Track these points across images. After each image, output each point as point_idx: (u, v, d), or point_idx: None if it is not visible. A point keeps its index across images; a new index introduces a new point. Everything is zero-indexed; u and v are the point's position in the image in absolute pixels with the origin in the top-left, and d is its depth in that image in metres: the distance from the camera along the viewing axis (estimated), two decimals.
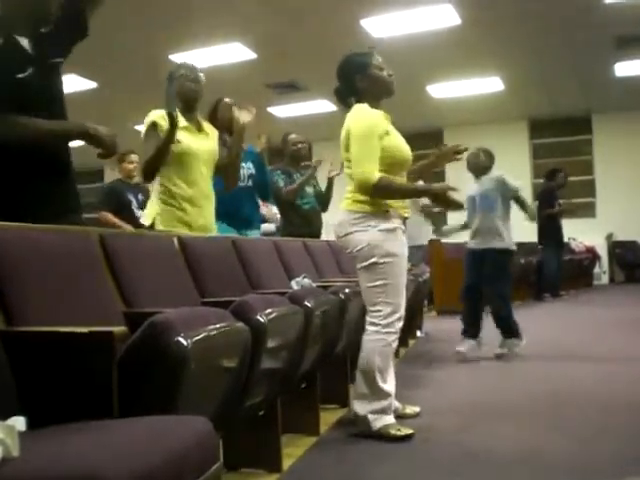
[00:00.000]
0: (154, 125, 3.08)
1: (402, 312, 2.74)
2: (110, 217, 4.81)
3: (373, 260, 2.68)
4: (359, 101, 2.81)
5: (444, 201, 2.80)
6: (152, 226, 3.14)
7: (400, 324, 2.74)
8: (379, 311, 2.69)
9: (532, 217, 4.93)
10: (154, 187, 3.20)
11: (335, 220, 2.85)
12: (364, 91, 2.81)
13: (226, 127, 3.63)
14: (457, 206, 2.88)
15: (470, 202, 4.59)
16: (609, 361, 4.25)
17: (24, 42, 2.16)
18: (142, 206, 5.04)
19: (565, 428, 2.71)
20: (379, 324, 2.69)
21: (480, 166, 4.61)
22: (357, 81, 2.81)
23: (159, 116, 3.07)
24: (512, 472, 2.22)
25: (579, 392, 3.37)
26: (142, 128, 3.14)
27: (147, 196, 5.35)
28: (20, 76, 2.09)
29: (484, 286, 4.54)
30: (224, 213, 3.52)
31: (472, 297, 4.60)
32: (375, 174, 2.63)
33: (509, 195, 4.58)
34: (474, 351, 4.51)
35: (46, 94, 2.17)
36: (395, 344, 2.74)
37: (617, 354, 4.51)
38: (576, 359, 4.36)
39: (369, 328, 2.72)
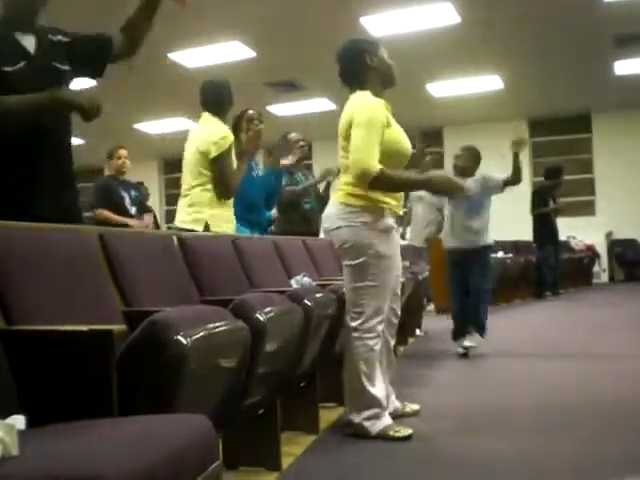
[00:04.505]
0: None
1: (384, 315, 2.66)
2: (109, 214, 4.72)
3: (362, 259, 2.60)
4: (362, 87, 2.70)
5: (447, 188, 2.71)
6: (207, 231, 3.30)
7: (381, 327, 2.66)
8: (360, 313, 2.61)
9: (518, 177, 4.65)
10: (194, 194, 3.35)
11: (325, 212, 2.75)
12: (372, 72, 2.71)
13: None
14: (461, 191, 2.73)
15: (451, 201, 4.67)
16: (609, 360, 4.25)
17: (26, 40, 2.17)
18: (135, 202, 4.98)
19: (565, 427, 2.71)
20: (360, 329, 2.61)
21: (465, 168, 4.62)
22: (366, 59, 2.70)
23: (230, 133, 3.35)
24: (512, 472, 2.22)
25: (579, 391, 3.37)
26: (220, 144, 3.29)
27: (141, 193, 5.29)
28: (7, 69, 2.09)
29: (470, 281, 4.63)
30: (246, 218, 3.76)
31: (461, 296, 4.67)
32: (376, 166, 2.52)
33: (494, 191, 4.62)
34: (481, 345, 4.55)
35: (37, 91, 2.10)
36: (378, 347, 2.65)
37: (617, 353, 4.51)
38: (576, 358, 4.36)
39: (351, 334, 2.63)
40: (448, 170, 4.73)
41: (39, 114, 2.10)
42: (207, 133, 3.34)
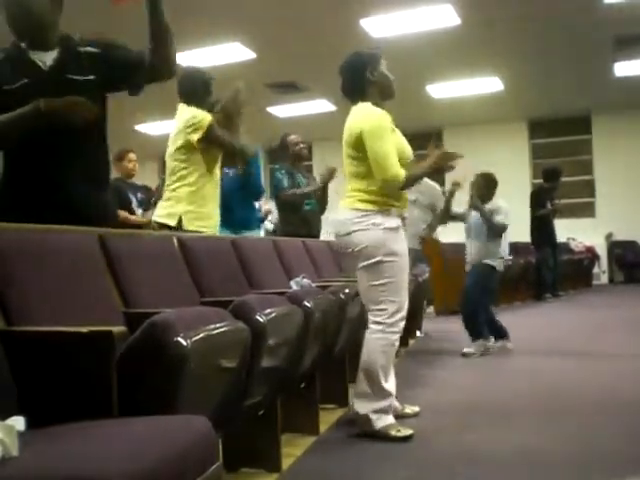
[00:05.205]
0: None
1: (405, 311, 2.74)
2: (126, 214, 4.70)
3: (378, 259, 2.67)
4: (363, 99, 2.79)
5: (445, 161, 2.75)
6: (179, 226, 3.19)
7: (403, 323, 2.74)
8: (384, 310, 2.68)
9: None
10: (171, 189, 3.27)
11: (336, 217, 2.83)
12: (372, 86, 2.79)
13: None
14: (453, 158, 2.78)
15: (466, 230, 4.95)
16: (610, 361, 4.26)
17: (43, 56, 2.18)
18: (142, 204, 5.02)
19: (565, 427, 2.72)
20: (384, 323, 2.68)
21: (480, 196, 4.79)
22: (367, 73, 2.78)
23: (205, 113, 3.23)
24: (512, 472, 2.22)
25: (580, 392, 3.37)
26: (198, 125, 3.18)
27: (147, 195, 5.32)
28: (6, 87, 2.11)
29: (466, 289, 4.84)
30: (222, 217, 3.54)
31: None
32: (401, 173, 2.65)
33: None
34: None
35: None
36: (397, 343, 2.74)
37: (617, 353, 4.51)
38: (577, 359, 4.36)
39: (373, 327, 2.70)
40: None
41: (29, 126, 2.07)
42: (180, 124, 3.27)
